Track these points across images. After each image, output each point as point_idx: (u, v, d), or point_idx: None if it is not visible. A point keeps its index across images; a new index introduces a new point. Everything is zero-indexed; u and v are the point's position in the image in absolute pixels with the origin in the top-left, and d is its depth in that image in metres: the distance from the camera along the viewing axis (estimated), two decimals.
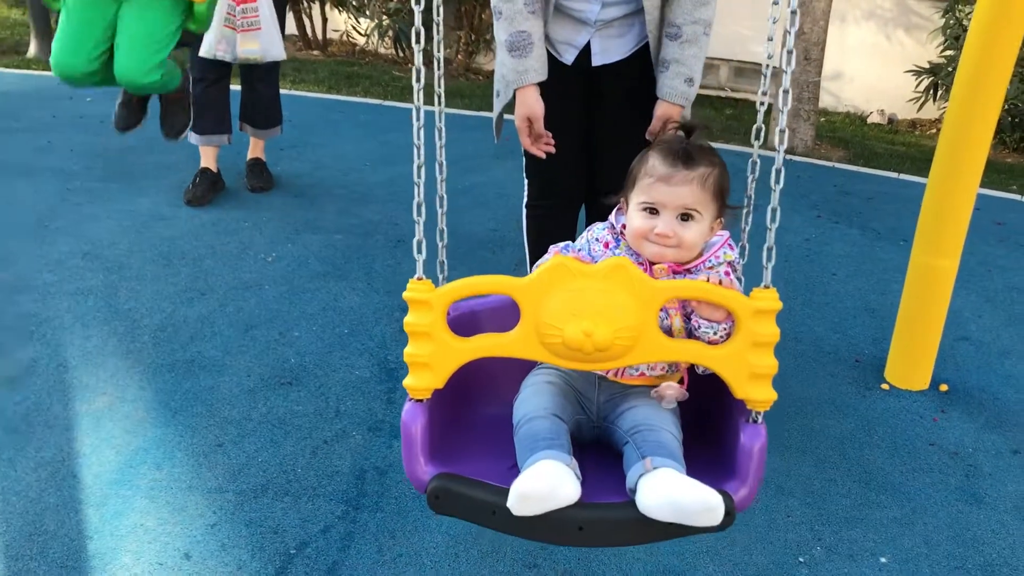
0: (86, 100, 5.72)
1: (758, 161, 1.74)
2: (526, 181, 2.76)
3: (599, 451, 1.68)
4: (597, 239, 1.73)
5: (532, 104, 2.44)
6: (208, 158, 4.29)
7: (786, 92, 1.52)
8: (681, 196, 1.61)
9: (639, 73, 2.52)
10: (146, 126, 5.18)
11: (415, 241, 1.54)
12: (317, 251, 3.77)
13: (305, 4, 7.94)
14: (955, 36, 6.68)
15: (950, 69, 6.68)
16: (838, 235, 4.37)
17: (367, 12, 8.02)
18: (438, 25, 1.73)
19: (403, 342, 1.51)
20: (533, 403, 1.63)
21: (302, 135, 5.27)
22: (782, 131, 1.51)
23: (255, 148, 4.50)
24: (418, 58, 1.56)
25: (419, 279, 1.51)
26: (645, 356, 1.48)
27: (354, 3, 7.91)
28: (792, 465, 2.60)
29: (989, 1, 2.58)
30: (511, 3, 2.37)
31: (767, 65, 1.73)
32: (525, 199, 2.79)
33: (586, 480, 1.48)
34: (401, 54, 7.71)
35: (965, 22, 6.67)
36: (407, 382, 1.52)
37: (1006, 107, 6.23)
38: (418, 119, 1.56)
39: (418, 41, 1.54)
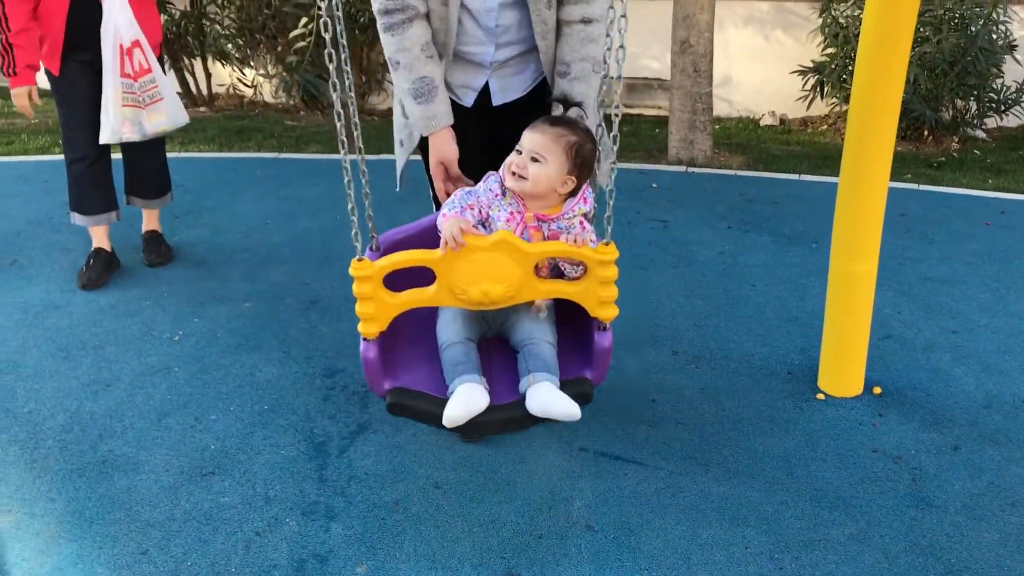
0: None
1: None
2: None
3: (500, 346, 2.26)
4: (490, 189, 2.15)
5: (446, 148, 2.39)
6: (99, 238, 4.07)
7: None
8: (535, 141, 2.09)
9: (540, 107, 2.47)
10: (29, 206, 4.95)
11: (353, 233, 1.96)
12: (226, 323, 3.59)
13: (187, 61, 7.71)
14: (834, 34, 6.85)
15: (833, 66, 6.84)
16: (750, 244, 4.39)
17: (251, 63, 7.83)
18: (350, 86, 2.07)
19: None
20: (449, 330, 2.19)
21: (197, 199, 5.06)
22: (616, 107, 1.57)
23: (149, 220, 4.29)
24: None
25: (359, 259, 1.98)
26: (525, 297, 2.06)
27: (237, 55, 7.72)
28: (742, 492, 2.55)
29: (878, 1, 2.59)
30: (408, 52, 2.32)
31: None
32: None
33: (492, 377, 2.13)
34: (305, 109, 7.54)
35: (841, 20, 6.85)
36: (361, 328, 2.04)
37: None
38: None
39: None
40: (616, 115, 1.94)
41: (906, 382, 3.11)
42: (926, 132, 6.70)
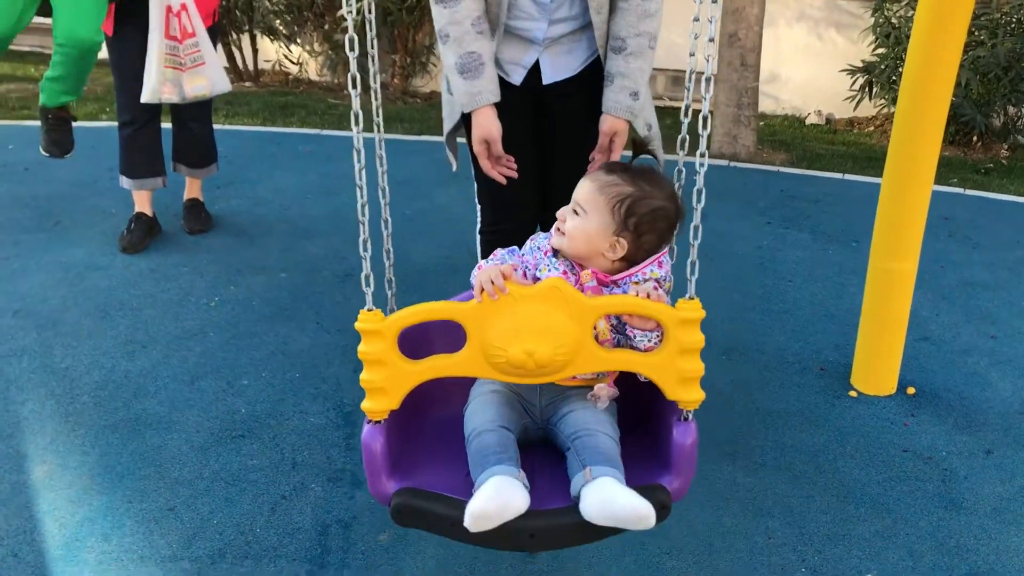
0: (8, 148, 5.51)
1: (683, 170, 1.76)
2: (479, 207, 2.67)
3: (546, 451, 1.81)
4: (539, 247, 1.83)
5: (488, 125, 2.34)
6: (142, 202, 4.12)
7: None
8: (580, 189, 1.78)
9: (590, 89, 2.45)
10: (75, 170, 5.03)
11: (363, 276, 1.63)
12: (262, 292, 3.63)
13: (234, 35, 7.78)
14: (886, 34, 6.75)
15: (883, 67, 6.75)
16: (790, 240, 4.35)
17: (298, 40, 7.89)
18: (373, 58, 1.83)
19: (358, 384, 1.61)
20: (481, 416, 1.75)
21: (239, 171, 5.12)
22: (702, 154, 1.63)
23: (191, 188, 4.35)
24: (355, 102, 1.59)
25: (369, 310, 1.62)
26: (582, 368, 1.64)
27: (284, 32, 7.78)
28: (768, 483, 2.54)
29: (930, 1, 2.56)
30: (458, 25, 2.27)
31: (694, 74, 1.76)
32: (479, 224, 2.70)
33: (534, 483, 1.63)
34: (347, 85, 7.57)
35: (894, 20, 6.75)
36: (365, 406, 1.64)
37: None
38: (359, 161, 1.66)
39: (355, 86, 1.64)
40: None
41: (941, 384, 3.07)
42: (975, 138, 6.59)
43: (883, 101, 7.03)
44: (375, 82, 1.80)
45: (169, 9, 3.68)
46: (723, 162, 5.77)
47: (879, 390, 2.98)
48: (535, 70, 2.46)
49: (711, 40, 1.64)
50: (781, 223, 4.58)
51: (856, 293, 3.47)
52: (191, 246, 4.07)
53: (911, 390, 3.00)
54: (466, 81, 2.31)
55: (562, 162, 2.55)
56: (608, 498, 1.55)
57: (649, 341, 1.69)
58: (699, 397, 1.63)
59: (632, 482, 1.61)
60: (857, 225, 4.52)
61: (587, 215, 1.74)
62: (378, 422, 1.66)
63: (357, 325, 1.59)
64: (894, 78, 6.70)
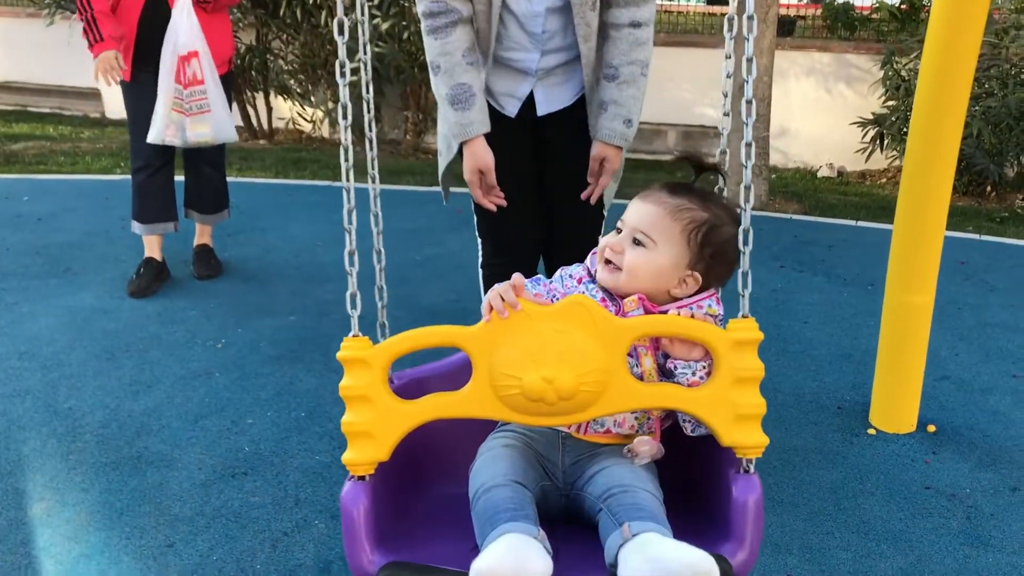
0: (23, 200, 5.55)
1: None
2: (479, 240, 2.65)
3: (571, 526, 1.44)
4: (571, 275, 1.58)
5: (481, 155, 2.34)
6: (152, 247, 4.12)
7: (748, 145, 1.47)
8: (642, 214, 1.47)
9: (585, 118, 2.45)
10: (87, 219, 5.05)
11: (348, 294, 1.41)
12: (270, 335, 3.59)
13: (249, 94, 7.88)
14: (895, 87, 6.78)
15: (894, 119, 6.76)
16: (804, 284, 4.29)
17: (312, 99, 7.98)
18: (368, 102, 1.69)
19: None
20: (490, 470, 1.40)
21: (251, 220, 5.13)
22: (748, 144, 1.49)
23: (202, 234, 4.34)
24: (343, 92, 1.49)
25: (355, 336, 1.37)
26: (616, 404, 1.31)
27: (298, 91, 7.88)
28: (786, 520, 2.45)
29: (935, 49, 2.56)
30: (449, 56, 2.30)
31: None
32: (480, 259, 2.68)
33: (558, 558, 1.26)
34: (360, 143, 7.64)
35: (903, 73, 6.78)
36: (346, 457, 1.34)
37: None
38: (346, 159, 1.49)
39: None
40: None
41: (962, 422, 2.99)
42: (989, 188, 6.56)
43: (895, 153, 7.03)
44: (371, 129, 1.72)
45: (178, 56, 3.72)
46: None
47: (898, 427, 2.90)
48: (530, 101, 2.47)
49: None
50: (795, 267, 4.53)
51: (873, 335, 3.40)
52: (199, 291, 4.05)
53: (931, 428, 2.92)
54: (457, 112, 2.32)
55: (561, 193, 2.54)
56: (655, 557, 1.18)
57: (694, 374, 1.39)
58: (763, 441, 1.30)
59: None
60: (873, 269, 4.46)
61: (656, 246, 1.44)
62: (362, 478, 1.35)
63: (339, 355, 1.34)
64: (905, 130, 6.69)
